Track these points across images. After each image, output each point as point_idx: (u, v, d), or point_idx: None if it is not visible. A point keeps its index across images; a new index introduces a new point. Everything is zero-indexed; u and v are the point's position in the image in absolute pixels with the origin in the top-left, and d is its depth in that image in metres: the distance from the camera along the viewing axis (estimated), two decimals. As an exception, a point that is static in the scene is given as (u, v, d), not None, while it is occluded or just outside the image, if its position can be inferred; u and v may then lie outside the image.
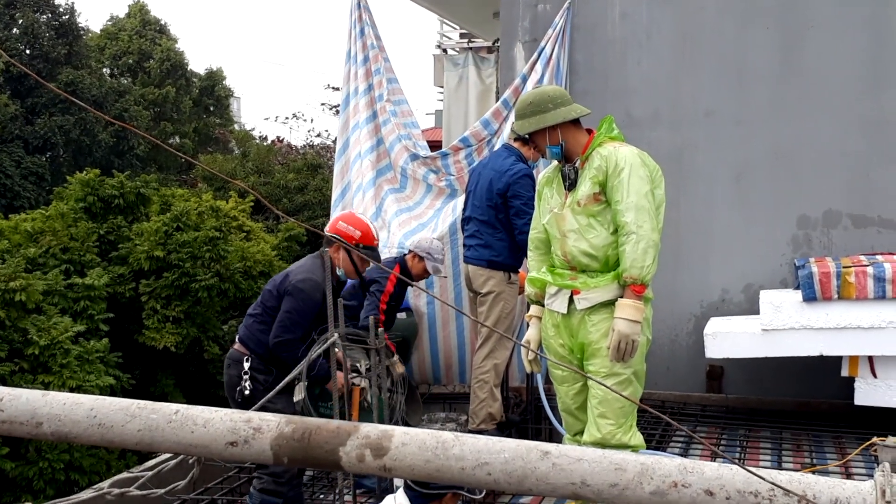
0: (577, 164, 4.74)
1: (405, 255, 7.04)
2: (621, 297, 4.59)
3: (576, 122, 4.82)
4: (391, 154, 8.31)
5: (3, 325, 9.52)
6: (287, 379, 4.35)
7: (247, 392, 5.12)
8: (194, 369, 14.63)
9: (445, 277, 7.57)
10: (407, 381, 6.17)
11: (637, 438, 4.75)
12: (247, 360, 5.22)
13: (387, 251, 7.84)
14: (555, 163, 4.92)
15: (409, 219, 7.96)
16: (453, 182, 8.12)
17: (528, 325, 5.11)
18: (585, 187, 4.67)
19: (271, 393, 4.24)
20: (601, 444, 4.59)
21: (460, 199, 7.78)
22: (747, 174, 7.75)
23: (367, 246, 5.54)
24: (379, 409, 4.84)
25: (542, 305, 4.95)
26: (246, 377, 5.14)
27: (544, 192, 4.96)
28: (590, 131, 4.83)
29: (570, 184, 4.75)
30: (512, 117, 6.80)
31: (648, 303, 4.71)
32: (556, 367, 4.90)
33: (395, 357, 5.75)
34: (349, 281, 7.25)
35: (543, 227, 4.94)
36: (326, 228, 5.71)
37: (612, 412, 4.64)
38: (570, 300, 4.74)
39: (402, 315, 7.17)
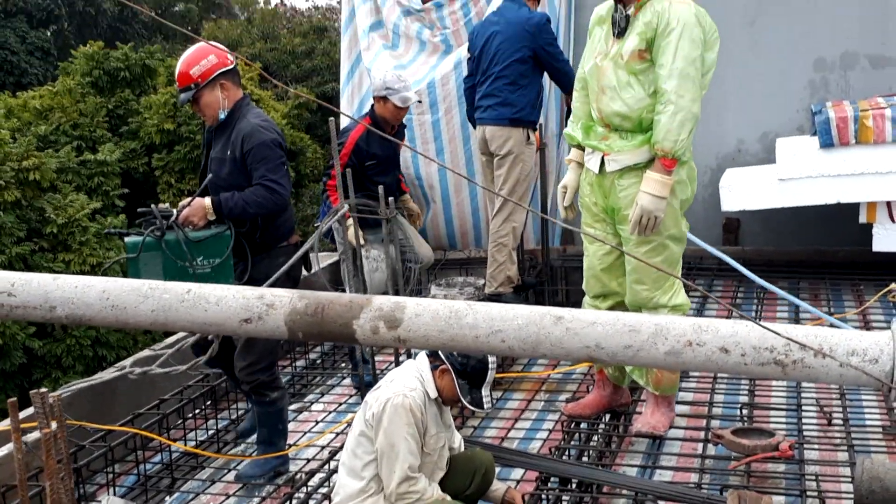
0: (629, 11, 4.40)
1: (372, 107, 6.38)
2: (650, 166, 4.38)
3: None
4: (382, 9, 8.04)
5: (19, 204, 9.55)
6: (301, 251, 4.21)
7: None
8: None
9: (420, 102, 7.22)
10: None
11: (679, 298, 4.62)
12: None
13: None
14: (610, 1, 4.56)
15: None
16: (448, 37, 7.88)
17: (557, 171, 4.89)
18: (632, 41, 4.36)
19: (283, 268, 4.09)
20: (637, 310, 4.56)
21: (454, 53, 7.60)
22: (761, 18, 7.54)
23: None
24: None
25: (583, 150, 4.72)
26: None
27: (595, 31, 4.63)
28: None
29: (620, 31, 4.42)
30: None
31: (688, 162, 4.53)
32: (588, 226, 4.75)
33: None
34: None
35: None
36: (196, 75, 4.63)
37: (647, 277, 4.55)
38: (603, 160, 4.56)
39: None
